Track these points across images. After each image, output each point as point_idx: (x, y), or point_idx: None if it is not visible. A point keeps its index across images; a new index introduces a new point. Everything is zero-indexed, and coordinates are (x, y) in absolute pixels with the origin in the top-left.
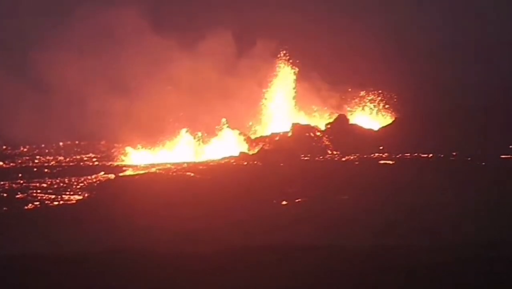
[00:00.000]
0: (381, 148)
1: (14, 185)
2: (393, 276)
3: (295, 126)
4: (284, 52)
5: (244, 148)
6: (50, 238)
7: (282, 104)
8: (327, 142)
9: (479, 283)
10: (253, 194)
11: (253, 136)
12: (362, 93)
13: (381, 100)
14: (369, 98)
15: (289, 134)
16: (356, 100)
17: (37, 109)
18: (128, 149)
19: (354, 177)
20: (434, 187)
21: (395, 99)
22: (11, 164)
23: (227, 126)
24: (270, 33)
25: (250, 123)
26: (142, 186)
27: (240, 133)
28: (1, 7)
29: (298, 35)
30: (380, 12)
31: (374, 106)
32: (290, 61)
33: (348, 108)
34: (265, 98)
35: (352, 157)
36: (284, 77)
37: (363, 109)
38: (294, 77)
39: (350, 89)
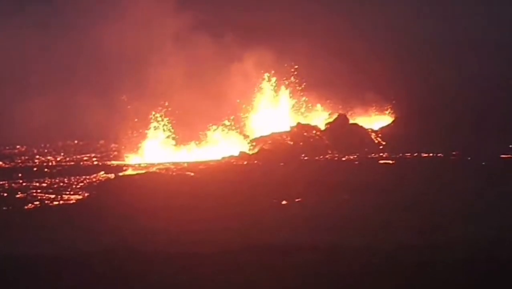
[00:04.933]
0: (381, 147)
1: (14, 185)
2: (394, 276)
3: (295, 125)
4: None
5: (244, 147)
6: (50, 238)
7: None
8: (327, 142)
9: (478, 283)
10: (253, 193)
11: (252, 136)
12: (362, 93)
13: (381, 100)
14: (369, 98)
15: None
16: (356, 100)
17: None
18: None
19: (354, 177)
20: (434, 186)
21: (395, 100)
22: (11, 164)
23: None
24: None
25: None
26: (142, 185)
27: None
28: None
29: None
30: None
31: (374, 106)
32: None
33: (348, 108)
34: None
35: (352, 157)
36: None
37: (363, 108)
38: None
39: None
